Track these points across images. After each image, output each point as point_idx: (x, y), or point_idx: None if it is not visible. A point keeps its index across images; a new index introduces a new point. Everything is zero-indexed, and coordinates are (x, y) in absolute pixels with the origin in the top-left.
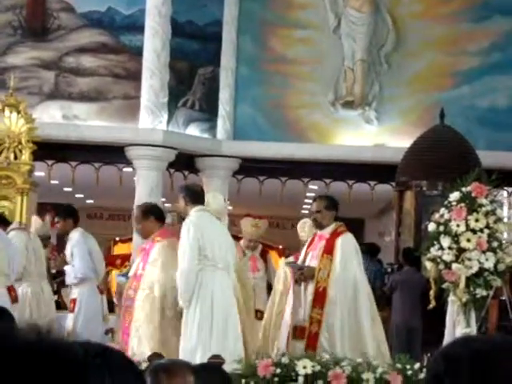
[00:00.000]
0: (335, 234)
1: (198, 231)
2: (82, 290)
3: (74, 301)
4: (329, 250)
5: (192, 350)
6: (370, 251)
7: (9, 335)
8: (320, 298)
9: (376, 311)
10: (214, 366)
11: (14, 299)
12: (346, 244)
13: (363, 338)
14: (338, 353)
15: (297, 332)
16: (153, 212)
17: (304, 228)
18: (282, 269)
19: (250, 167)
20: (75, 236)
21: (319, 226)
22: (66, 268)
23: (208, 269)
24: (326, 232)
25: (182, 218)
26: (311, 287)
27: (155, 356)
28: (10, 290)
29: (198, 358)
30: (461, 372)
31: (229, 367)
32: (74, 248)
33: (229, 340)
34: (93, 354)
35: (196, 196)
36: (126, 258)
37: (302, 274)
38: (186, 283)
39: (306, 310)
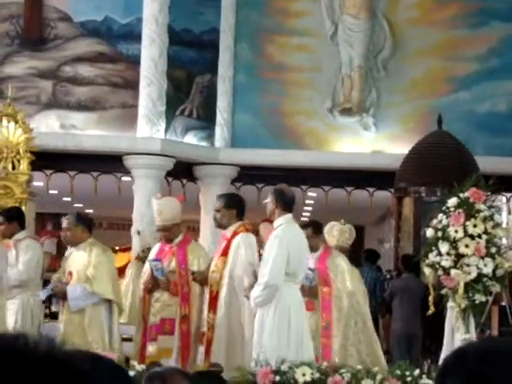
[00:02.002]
0: (234, 234)
1: (289, 245)
2: None
3: None
4: (225, 251)
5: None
6: (369, 258)
7: (20, 347)
8: (213, 303)
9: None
10: (212, 374)
11: None
12: (240, 244)
13: (243, 347)
14: (225, 362)
15: (201, 338)
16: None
17: (332, 232)
18: None
19: (248, 175)
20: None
21: (219, 225)
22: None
23: (286, 284)
24: (229, 232)
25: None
26: (207, 291)
27: (153, 364)
28: None
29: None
30: (464, 367)
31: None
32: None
33: (303, 352)
34: (88, 362)
35: (288, 203)
36: (122, 270)
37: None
38: (269, 296)
39: (204, 314)
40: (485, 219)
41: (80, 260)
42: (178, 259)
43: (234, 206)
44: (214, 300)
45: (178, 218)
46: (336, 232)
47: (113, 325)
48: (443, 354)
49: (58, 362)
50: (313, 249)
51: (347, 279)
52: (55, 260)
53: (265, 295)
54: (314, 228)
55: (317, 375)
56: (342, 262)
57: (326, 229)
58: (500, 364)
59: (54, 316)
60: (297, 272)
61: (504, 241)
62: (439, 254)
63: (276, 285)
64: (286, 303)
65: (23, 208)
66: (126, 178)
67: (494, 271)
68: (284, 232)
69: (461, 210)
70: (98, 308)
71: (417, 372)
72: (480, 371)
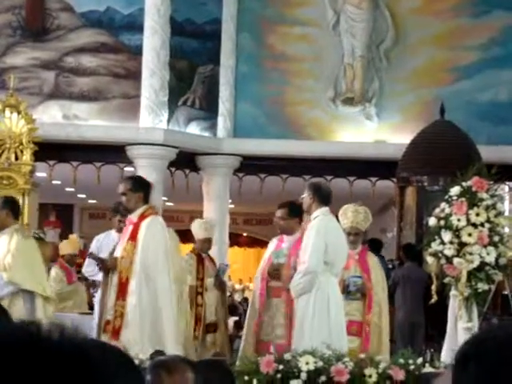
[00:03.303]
0: (141, 218)
1: (326, 235)
2: None
3: None
4: (133, 235)
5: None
6: (373, 247)
7: (33, 335)
8: (123, 289)
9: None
10: (215, 363)
11: None
12: (150, 227)
13: (162, 336)
14: (139, 350)
15: (105, 327)
16: None
17: (346, 214)
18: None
19: (250, 165)
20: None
21: (125, 209)
22: None
23: (324, 273)
24: (135, 216)
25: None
26: (116, 278)
27: (157, 353)
28: None
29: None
30: (488, 354)
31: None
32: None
33: (343, 343)
34: (99, 350)
35: (325, 197)
36: None
37: (105, 267)
38: (309, 284)
39: (110, 302)
40: (487, 208)
41: (1, 247)
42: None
43: (140, 189)
44: (123, 286)
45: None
46: (350, 213)
47: (34, 317)
48: (446, 343)
49: (71, 350)
50: (288, 232)
51: None
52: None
53: (304, 282)
54: (289, 209)
55: (320, 364)
56: None
57: (341, 211)
58: None
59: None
60: (334, 262)
61: (507, 229)
62: (442, 242)
63: (315, 272)
64: (325, 292)
65: (26, 199)
66: (128, 169)
67: (496, 260)
68: (320, 223)
69: (463, 199)
70: (17, 299)
71: (420, 360)
72: (504, 358)
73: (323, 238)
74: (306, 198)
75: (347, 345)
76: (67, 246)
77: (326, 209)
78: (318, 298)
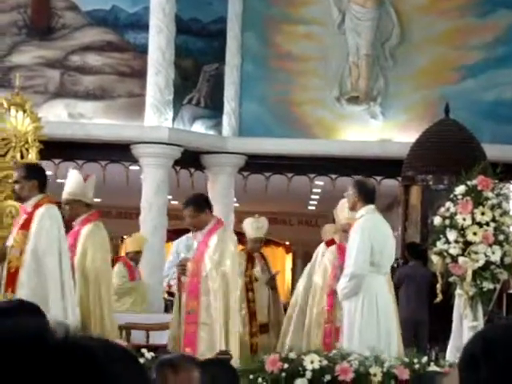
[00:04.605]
0: (36, 207)
1: (371, 235)
2: None
3: None
4: (26, 224)
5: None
6: None
7: (38, 334)
8: (12, 280)
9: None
10: (221, 361)
11: None
12: (44, 216)
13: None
14: None
15: None
16: None
17: (344, 208)
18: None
19: (255, 164)
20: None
21: (19, 198)
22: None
23: (371, 274)
24: (29, 205)
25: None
26: (5, 269)
27: (162, 351)
28: None
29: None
30: (497, 355)
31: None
32: None
33: (392, 344)
34: (103, 350)
35: (370, 194)
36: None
37: None
38: (355, 287)
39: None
40: (493, 207)
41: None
42: (69, 242)
43: (34, 177)
44: (12, 277)
45: (80, 196)
46: (347, 209)
47: None
48: (451, 342)
49: (77, 349)
50: (201, 227)
51: (227, 259)
52: None
53: (351, 286)
54: (195, 205)
55: (325, 362)
56: (229, 241)
57: (338, 206)
58: None
59: None
60: (381, 262)
61: None
62: (447, 241)
63: (361, 275)
64: (373, 294)
65: None
66: (133, 167)
67: (501, 259)
68: (366, 223)
69: (468, 198)
70: None
71: (424, 359)
72: None
73: (368, 238)
74: (350, 195)
75: (396, 346)
76: (132, 244)
77: (371, 207)
78: (366, 300)
